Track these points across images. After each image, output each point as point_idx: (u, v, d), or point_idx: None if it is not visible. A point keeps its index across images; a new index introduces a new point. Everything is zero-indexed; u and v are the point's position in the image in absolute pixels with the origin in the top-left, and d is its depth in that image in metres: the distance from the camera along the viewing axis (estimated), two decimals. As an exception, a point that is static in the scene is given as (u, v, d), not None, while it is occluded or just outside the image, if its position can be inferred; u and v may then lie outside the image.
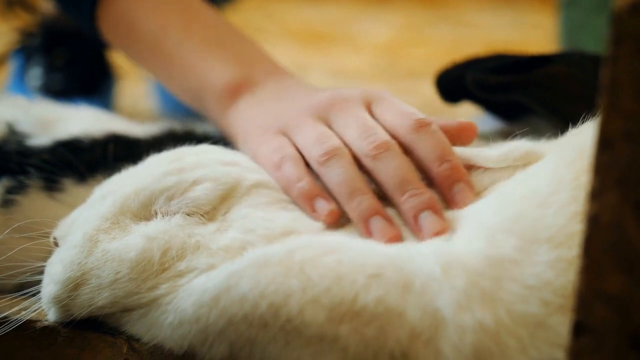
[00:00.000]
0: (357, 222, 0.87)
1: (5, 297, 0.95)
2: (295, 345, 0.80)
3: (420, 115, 0.92)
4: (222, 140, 1.08)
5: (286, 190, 0.91)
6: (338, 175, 0.89)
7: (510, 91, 1.04)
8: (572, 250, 0.75)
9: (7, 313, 0.92)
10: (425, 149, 0.89)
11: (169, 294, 0.85)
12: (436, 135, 0.90)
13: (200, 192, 0.89)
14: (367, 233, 0.85)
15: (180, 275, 0.85)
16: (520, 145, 0.89)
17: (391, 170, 0.88)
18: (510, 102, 1.04)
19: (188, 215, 0.89)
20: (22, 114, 1.15)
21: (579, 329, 0.65)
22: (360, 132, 0.92)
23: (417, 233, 0.84)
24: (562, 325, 0.73)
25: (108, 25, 1.21)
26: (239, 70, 1.09)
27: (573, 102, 0.91)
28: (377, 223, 0.85)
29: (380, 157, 0.89)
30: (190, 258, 0.86)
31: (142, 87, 2.28)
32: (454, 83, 1.08)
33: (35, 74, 1.93)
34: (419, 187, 0.87)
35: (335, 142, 0.92)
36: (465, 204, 0.86)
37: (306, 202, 0.89)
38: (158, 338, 0.86)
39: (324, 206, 0.88)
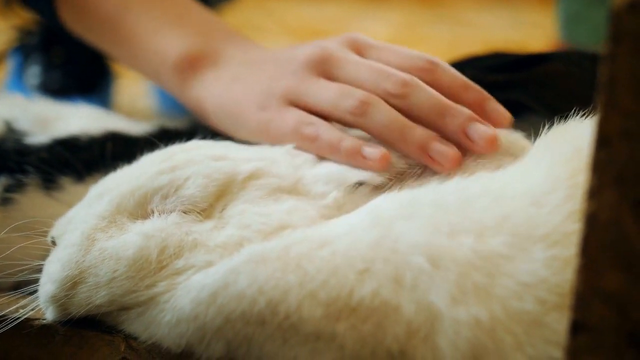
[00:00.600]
0: (418, 154, 0.88)
1: (3, 296, 0.95)
2: (292, 344, 0.80)
3: (425, 55, 0.93)
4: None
5: (332, 155, 0.92)
6: (382, 118, 0.90)
7: (509, 90, 1.04)
8: (568, 249, 0.75)
9: (5, 311, 0.92)
10: (447, 84, 0.92)
11: (167, 292, 0.85)
12: (450, 71, 0.93)
13: (194, 190, 0.89)
14: (430, 161, 0.87)
15: (178, 272, 0.85)
16: (504, 134, 0.89)
17: (425, 100, 0.90)
18: (508, 100, 1.03)
19: (184, 213, 0.89)
20: (21, 112, 1.15)
21: (577, 327, 0.65)
22: (376, 76, 0.92)
23: (471, 146, 0.87)
24: (559, 323, 0.73)
25: (69, 12, 1.21)
26: (197, 42, 1.07)
27: (571, 101, 0.90)
28: (437, 147, 0.87)
29: (411, 93, 0.90)
30: (187, 256, 0.86)
31: (140, 85, 2.29)
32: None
33: (34, 72, 1.93)
34: (456, 107, 0.90)
35: (361, 91, 0.93)
36: (502, 122, 0.91)
37: (357, 157, 0.89)
38: (156, 336, 0.86)
39: (375, 152, 0.89)
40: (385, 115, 0.90)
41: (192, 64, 1.06)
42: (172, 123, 1.17)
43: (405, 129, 0.89)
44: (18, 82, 1.94)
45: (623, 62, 0.60)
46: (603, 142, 0.61)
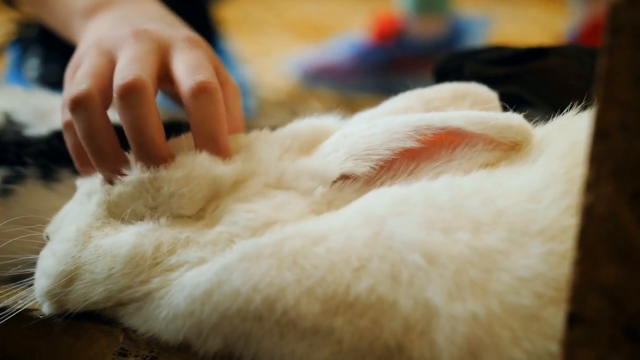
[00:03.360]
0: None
1: (2, 288, 0.95)
2: (290, 339, 0.80)
3: (203, 77, 0.92)
4: None
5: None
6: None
7: (508, 83, 1.04)
8: (565, 244, 0.75)
9: (4, 303, 0.92)
10: (196, 119, 0.92)
11: (161, 288, 0.85)
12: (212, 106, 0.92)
13: (178, 203, 0.89)
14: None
15: (171, 269, 0.85)
16: (505, 117, 0.86)
17: None
18: (507, 93, 1.04)
19: (174, 217, 0.89)
20: (20, 104, 1.15)
21: (573, 320, 0.65)
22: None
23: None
24: (555, 317, 0.73)
25: None
26: None
27: (570, 94, 0.90)
28: None
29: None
30: (180, 252, 0.86)
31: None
32: (452, 74, 1.08)
33: (33, 65, 1.92)
34: None
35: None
36: None
37: None
38: (154, 330, 0.86)
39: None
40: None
41: (91, 12, 1.12)
42: (164, 117, 1.17)
43: None
44: (17, 75, 1.94)
45: (621, 55, 0.60)
46: (601, 134, 0.61)
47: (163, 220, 0.89)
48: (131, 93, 0.88)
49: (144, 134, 0.89)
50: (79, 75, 0.93)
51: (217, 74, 0.98)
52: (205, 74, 0.92)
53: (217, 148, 0.91)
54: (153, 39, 0.96)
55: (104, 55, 0.96)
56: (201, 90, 0.90)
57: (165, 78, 0.95)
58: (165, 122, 0.93)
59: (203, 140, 0.91)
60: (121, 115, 0.90)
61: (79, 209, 0.94)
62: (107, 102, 0.93)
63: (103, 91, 0.92)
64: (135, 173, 0.90)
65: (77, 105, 0.90)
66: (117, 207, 0.91)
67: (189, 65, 0.93)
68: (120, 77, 0.90)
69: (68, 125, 0.95)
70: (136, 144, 0.90)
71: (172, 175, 0.89)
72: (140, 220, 0.90)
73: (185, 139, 0.94)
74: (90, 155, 0.93)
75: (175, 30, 1.00)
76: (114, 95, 0.90)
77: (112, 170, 0.91)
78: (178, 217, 0.89)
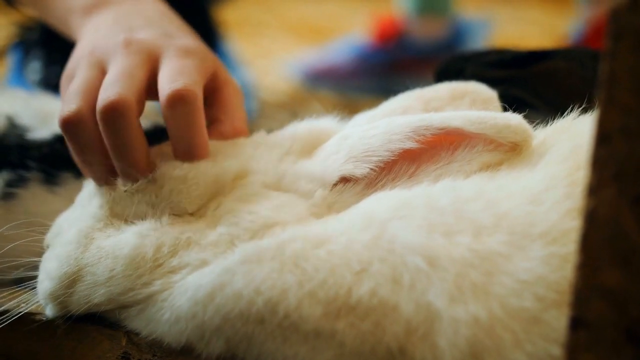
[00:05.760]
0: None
1: (5, 291, 0.95)
2: (292, 342, 0.80)
3: (179, 85, 0.92)
4: None
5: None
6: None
7: (510, 85, 1.04)
8: (566, 247, 0.75)
9: (6, 306, 0.92)
10: (171, 128, 0.92)
11: (163, 290, 0.85)
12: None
13: (179, 198, 0.90)
14: None
15: (173, 271, 0.86)
16: (504, 117, 0.86)
17: None
18: (509, 96, 1.04)
19: (176, 215, 0.90)
20: (22, 108, 1.15)
21: (576, 323, 0.65)
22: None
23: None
24: (557, 320, 0.73)
25: None
26: None
27: (571, 97, 0.90)
28: None
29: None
30: (182, 254, 0.86)
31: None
32: (454, 77, 1.08)
33: (34, 68, 1.92)
34: None
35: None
36: None
37: None
38: (156, 333, 0.86)
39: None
40: None
41: (89, 10, 1.12)
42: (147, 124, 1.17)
43: None
44: (19, 78, 1.94)
45: (623, 59, 0.60)
46: (603, 138, 0.62)
47: (165, 218, 0.89)
48: (112, 115, 0.89)
49: (126, 155, 0.91)
50: (71, 92, 0.94)
51: (217, 76, 0.98)
52: (183, 81, 0.91)
53: (194, 158, 0.92)
54: (143, 50, 0.97)
55: (95, 66, 0.97)
56: (176, 99, 0.90)
57: (154, 89, 0.95)
58: (149, 129, 0.94)
59: (179, 149, 0.92)
60: (103, 134, 0.91)
61: (80, 211, 0.94)
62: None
63: (93, 108, 0.92)
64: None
65: (67, 124, 0.92)
66: (119, 206, 0.91)
67: (169, 74, 0.93)
68: (103, 97, 0.90)
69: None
70: (117, 162, 0.92)
71: (172, 173, 0.90)
72: (142, 219, 0.90)
73: (166, 146, 0.95)
74: (81, 166, 0.96)
75: (168, 39, 1.00)
76: (96, 114, 0.91)
77: (104, 179, 0.94)
78: (179, 216, 0.89)
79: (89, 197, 0.95)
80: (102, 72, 0.96)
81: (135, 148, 0.91)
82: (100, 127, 0.91)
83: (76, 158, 0.96)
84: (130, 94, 0.90)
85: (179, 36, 1.02)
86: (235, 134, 0.97)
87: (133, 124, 0.90)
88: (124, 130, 0.90)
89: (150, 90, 0.95)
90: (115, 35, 1.00)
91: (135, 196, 0.91)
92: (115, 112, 0.89)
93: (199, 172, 0.91)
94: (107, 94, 0.90)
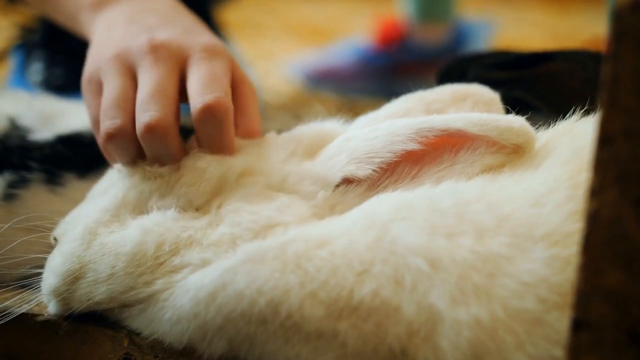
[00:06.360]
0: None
1: (7, 290, 0.96)
2: (294, 342, 0.80)
3: (211, 97, 0.93)
4: None
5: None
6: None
7: (512, 87, 1.04)
8: (568, 249, 0.75)
9: (7, 303, 0.92)
10: (202, 139, 0.95)
11: (165, 289, 0.85)
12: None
13: (187, 189, 0.91)
14: None
15: (175, 270, 0.86)
16: (506, 119, 0.86)
17: None
18: (511, 98, 1.04)
19: (182, 209, 0.90)
20: (24, 109, 1.15)
21: (578, 325, 0.65)
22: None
23: None
24: (559, 322, 0.73)
25: None
26: None
27: (574, 99, 0.90)
28: None
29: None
30: (183, 253, 0.86)
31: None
32: (456, 79, 1.08)
33: (36, 69, 1.93)
34: None
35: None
36: None
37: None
38: (158, 333, 0.86)
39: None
40: None
41: (99, 5, 1.13)
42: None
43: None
44: (21, 79, 1.94)
45: (626, 61, 0.60)
46: (605, 141, 0.62)
47: (170, 212, 0.89)
48: (153, 136, 0.93)
49: (165, 163, 0.94)
50: (109, 105, 0.96)
51: (233, 75, 0.99)
52: (215, 93, 0.93)
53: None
54: (171, 55, 0.97)
55: (125, 74, 0.98)
56: (207, 112, 0.92)
57: (184, 91, 0.97)
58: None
59: (207, 151, 0.95)
60: (144, 147, 0.94)
61: (89, 207, 0.94)
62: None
63: (133, 119, 0.95)
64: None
65: (111, 139, 0.95)
66: (132, 192, 0.93)
67: (201, 83, 0.95)
68: (142, 121, 0.92)
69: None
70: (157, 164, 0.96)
71: (193, 164, 0.93)
72: (148, 213, 0.91)
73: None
74: (106, 154, 0.99)
75: (192, 37, 1.00)
76: (137, 132, 0.93)
77: (133, 162, 0.97)
78: (185, 211, 0.90)
79: (103, 189, 0.96)
80: (133, 78, 0.97)
81: (175, 158, 0.94)
82: (142, 144, 0.94)
83: (108, 156, 0.99)
84: (169, 113, 0.93)
85: (198, 32, 1.03)
86: (248, 136, 0.98)
87: (174, 142, 0.94)
88: (165, 147, 0.93)
89: (180, 92, 0.97)
90: (135, 36, 1.00)
91: (153, 183, 0.93)
92: (156, 134, 0.92)
93: (212, 170, 0.92)
94: (145, 117, 0.92)
